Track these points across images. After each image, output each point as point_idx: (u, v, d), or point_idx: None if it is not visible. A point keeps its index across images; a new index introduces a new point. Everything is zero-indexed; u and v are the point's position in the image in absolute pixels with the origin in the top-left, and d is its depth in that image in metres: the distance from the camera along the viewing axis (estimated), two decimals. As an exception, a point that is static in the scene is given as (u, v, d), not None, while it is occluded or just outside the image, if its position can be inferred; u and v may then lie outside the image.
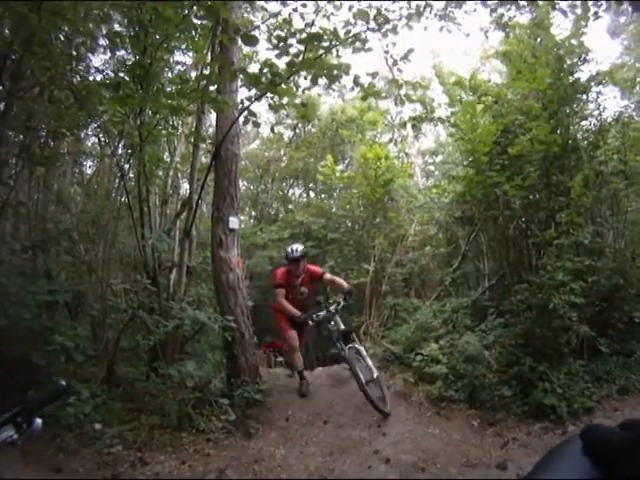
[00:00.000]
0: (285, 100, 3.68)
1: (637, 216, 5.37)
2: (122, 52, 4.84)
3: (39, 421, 1.08)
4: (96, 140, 5.60)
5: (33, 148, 5.32)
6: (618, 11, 10.65)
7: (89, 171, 6.31)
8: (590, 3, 4.96)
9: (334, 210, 9.61)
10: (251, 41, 3.43)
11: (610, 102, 9.81)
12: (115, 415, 3.68)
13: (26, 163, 5.19)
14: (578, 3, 5.03)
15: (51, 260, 5.33)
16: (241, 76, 3.60)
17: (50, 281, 5.04)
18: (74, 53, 4.71)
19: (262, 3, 4.86)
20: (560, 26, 5.33)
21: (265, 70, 3.51)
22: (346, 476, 3.20)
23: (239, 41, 3.62)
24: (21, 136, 5.07)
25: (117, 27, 4.77)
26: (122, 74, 4.70)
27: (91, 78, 5.01)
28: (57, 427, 3.19)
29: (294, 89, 3.70)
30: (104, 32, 4.72)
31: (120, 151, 4.70)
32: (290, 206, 11.87)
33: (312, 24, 3.90)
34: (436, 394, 3.92)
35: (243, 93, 3.95)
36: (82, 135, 5.78)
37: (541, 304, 3.84)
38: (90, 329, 4.66)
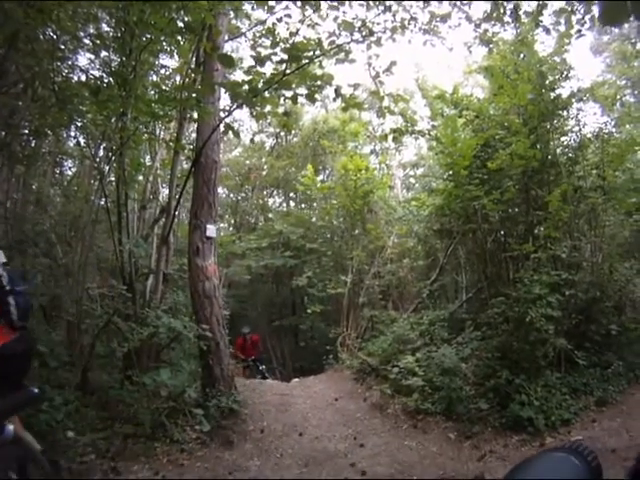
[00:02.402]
0: (267, 109, 3.68)
1: (615, 230, 5.46)
2: (107, 53, 4.79)
3: (11, 427, 1.06)
4: (77, 142, 5.49)
5: (14, 146, 5.22)
6: (601, 30, 11.00)
7: (69, 172, 6.20)
8: (574, 22, 5.10)
9: (313, 220, 9.67)
10: (228, 62, 3.45)
11: (590, 118, 10.07)
12: (88, 423, 3.61)
13: (6, 161, 5.08)
14: (562, 21, 5.17)
15: (28, 261, 5.21)
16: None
17: (26, 283, 4.92)
18: (59, 52, 4.66)
19: (247, 9, 4.86)
20: (544, 43, 5.47)
21: (247, 79, 3.51)
22: (321, 489, 3.16)
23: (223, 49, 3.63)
24: (2, 133, 4.97)
25: (104, 27, 4.73)
26: (105, 76, 4.64)
27: (75, 78, 4.96)
28: (30, 434, 3.12)
29: (276, 98, 3.69)
30: (89, 32, 4.68)
31: (101, 154, 4.62)
32: (269, 215, 11.87)
33: (296, 33, 3.93)
34: (413, 406, 3.91)
35: (225, 100, 3.94)
36: (64, 135, 5.69)
37: (518, 317, 3.88)
38: (65, 334, 4.56)
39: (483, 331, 4.34)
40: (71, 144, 5.98)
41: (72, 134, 5.61)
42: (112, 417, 3.75)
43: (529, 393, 3.85)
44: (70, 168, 6.23)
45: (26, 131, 5.43)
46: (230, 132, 3.65)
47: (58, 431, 3.27)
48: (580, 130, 5.38)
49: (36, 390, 1.25)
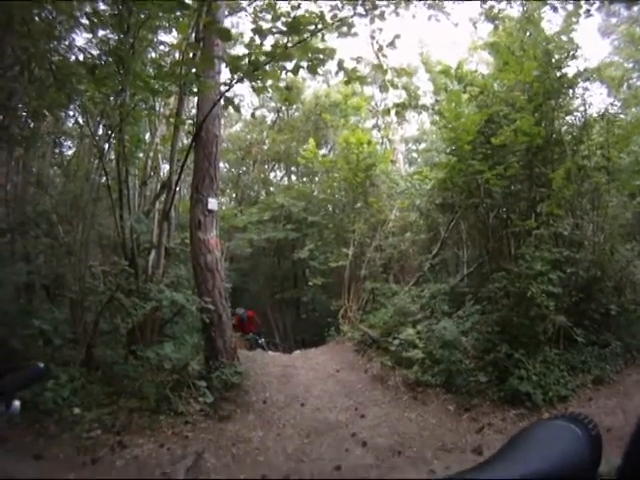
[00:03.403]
0: (269, 83, 3.63)
1: (617, 211, 5.44)
2: (104, 31, 4.71)
3: (17, 403, 1.07)
4: (75, 121, 5.45)
5: (12, 128, 5.19)
6: (610, 11, 10.78)
7: (69, 152, 6.16)
8: (582, 2, 5.00)
9: (315, 193, 9.60)
10: (226, 35, 3.40)
11: (596, 99, 9.94)
12: (94, 399, 3.67)
13: (4, 144, 5.05)
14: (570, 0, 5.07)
15: (30, 243, 5.23)
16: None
17: (28, 264, 4.96)
18: (55, 31, 4.59)
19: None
20: (550, 21, 5.36)
21: (248, 53, 3.46)
22: (323, 458, 3.23)
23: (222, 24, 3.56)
24: (0, 116, 4.93)
25: (101, 5, 4.63)
26: (103, 54, 4.57)
27: (73, 57, 4.89)
28: (36, 412, 3.17)
29: (278, 72, 3.64)
30: (86, 11, 4.59)
31: (100, 132, 4.59)
32: (271, 189, 11.82)
33: (298, 7, 3.84)
34: (413, 378, 3.97)
35: (226, 74, 3.88)
36: (62, 115, 5.63)
37: (519, 292, 3.90)
38: (68, 312, 4.59)
39: (483, 305, 4.37)
40: (70, 124, 5.95)
41: (71, 114, 5.58)
42: (117, 392, 3.80)
43: (528, 368, 3.90)
44: (70, 148, 6.18)
45: (24, 113, 5.38)
46: (230, 107, 3.62)
47: (64, 408, 3.36)
48: (585, 110, 5.31)
49: (42, 365, 1.26)
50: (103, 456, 3.07)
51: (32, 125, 5.58)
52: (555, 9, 5.29)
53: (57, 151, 6.21)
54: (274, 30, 3.46)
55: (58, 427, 3.25)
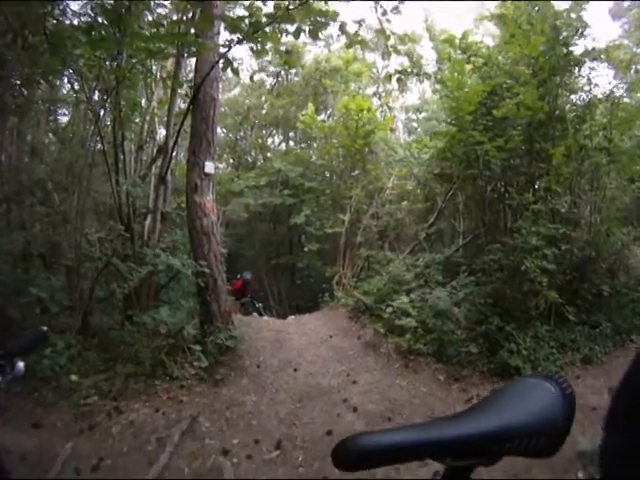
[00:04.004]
0: (268, 45, 3.54)
1: (616, 194, 5.43)
2: (101, -6, 4.56)
3: (21, 364, 1.08)
4: (70, 87, 5.33)
5: (5, 97, 5.08)
6: (622, -6, 10.50)
7: (64, 119, 6.06)
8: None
9: (313, 159, 9.52)
10: None
11: (602, 80, 9.78)
12: (90, 365, 3.70)
13: (-2, 113, 4.95)
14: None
15: (25, 212, 5.20)
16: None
17: (25, 233, 4.94)
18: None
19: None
20: (560, -2, 5.22)
21: (247, 14, 3.36)
22: (315, 423, 3.30)
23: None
24: (-7, 85, 4.81)
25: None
26: (99, 18, 4.44)
27: (67, 22, 4.75)
28: (34, 380, 3.21)
29: (278, 35, 3.55)
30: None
31: (96, 97, 4.49)
32: (268, 154, 11.70)
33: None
34: (405, 346, 4.03)
35: (224, 36, 3.78)
36: (57, 82, 5.51)
37: (513, 266, 3.92)
38: (65, 279, 4.60)
39: (477, 277, 4.40)
40: (65, 91, 5.82)
41: (65, 80, 5.45)
42: (113, 358, 3.82)
43: (518, 342, 3.95)
44: (65, 114, 6.08)
45: (18, 81, 5.26)
46: (229, 70, 3.53)
47: (62, 375, 3.39)
48: (590, 90, 5.23)
49: (45, 328, 1.28)
50: (100, 422, 3.11)
51: (26, 93, 5.47)
52: (567, -14, 5.14)
53: (52, 118, 6.11)
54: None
55: (56, 395, 3.30)
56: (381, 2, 3.81)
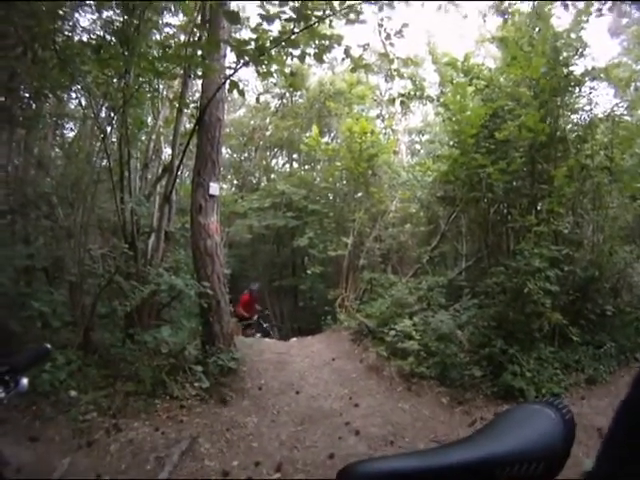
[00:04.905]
0: (273, 68, 3.60)
1: (618, 213, 5.45)
2: (110, 12, 4.67)
3: (25, 380, 1.09)
4: (78, 102, 5.41)
5: (14, 109, 5.15)
6: (621, 12, 10.70)
7: (71, 134, 6.13)
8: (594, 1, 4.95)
9: (316, 182, 9.59)
10: (233, 18, 3.36)
11: (602, 99, 9.86)
12: (90, 381, 3.68)
13: (6, 125, 5.02)
14: (582, -2, 5.02)
15: (30, 225, 5.23)
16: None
17: (28, 246, 4.95)
18: (60, 11, 4.54)
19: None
20: (560, 18, 5.33)
21: (254, 37, 3.43)
22: (316, 446, 3.26)
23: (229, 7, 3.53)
24: (2, 97, 4.89)
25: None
26: (108, 35, 4.54)
27: (77, 38, 4.85)
28: (33, 395, 3.18)
29: (283, 57, 3.61)
30: (91, -10, 4.54)
31: (103, 113, 4.56)
32: (272, 175, 11.79)
33: (307, -8, 3.79)
34: (408, 370, 3.99)
35: (230, 58, 3.85)
36: (64, 97, 5.59)
37: (516, 288, 3.91)
38: (67, 294, 4.60)
39: (480, 300, 4.39)
40: (72, 105, 5.91)
41: (73, 95, 5.54)
42: (114, 375, 3.81)
43: (522, 364, 3.92)
44: (71, 130, 6.15)
45: (26, 94, 5.34)
46: (234, 91, 3.59)
47: (61, 390, 3.37)
48: (591, 109, 5.29)
49: (49, 346, 1.30)
50: (98, 439, 3.08)
51: (34, 106, 5.54)
52: (566, 6, 5.24)
53: (59, 133, 6.17)
54: (281, 15, 3.43)
55: (54, 409, 3.27)
56: (385, 26, 3.88)
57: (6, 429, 2.87)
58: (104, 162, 4.30)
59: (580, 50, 5.21)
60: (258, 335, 6.99)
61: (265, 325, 7.44)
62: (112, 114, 4.39)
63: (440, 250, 6.27)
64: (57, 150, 6.16)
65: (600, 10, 5.17)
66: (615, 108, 5.36)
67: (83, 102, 5.13)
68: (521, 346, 3.99)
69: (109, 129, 4.33)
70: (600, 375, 4.13)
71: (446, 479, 0.52)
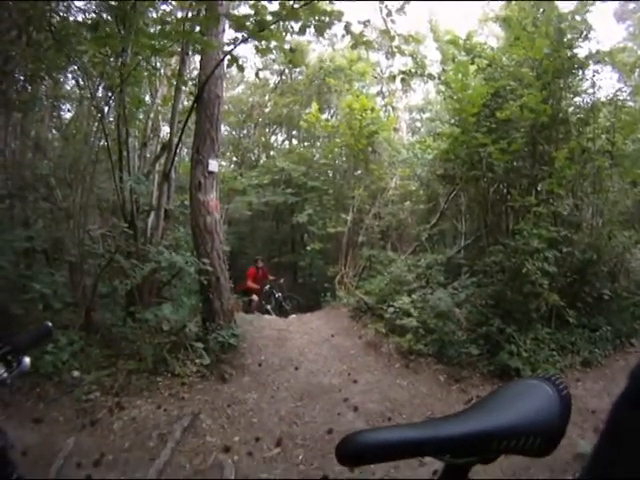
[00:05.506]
0: (273, 44, 3.55)
1: (618, 197, 5.44)
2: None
3: (27, 360, 1.09)
4: (75, 83, 5.34)
5: (10, 93, 5.09)
6: (628, -3, 10.51)
7: (68, 115, 6.07)
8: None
9: (316, 158, 9.51)
10: None
11: (606, 82, 9.75)
12: (93, 361, 3.71)
13: (2, 108, 4.97)
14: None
15: (28, 208, 5.21)
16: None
17: (27, 229, 4.95)
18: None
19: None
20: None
21: (252, 13, 3.37)
22: (315, 422, 3.31)
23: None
24: (-3, 81, 4.82)
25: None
26: (104, 14, 4.45)
27: (72, 18, 4.76)
28: (36, 376, 3.22)
29: (283, 33, 3.56)
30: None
31: (100, 93, 4.50)
32: (272, 152, 11.69)
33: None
34: (406, 347, 4.04)
35: (229, 34, 3.80)
36: (61, 78, 5.52)
37: (514, 268, 3.93)
38: (68, 275, 4.62)
39: (479, 278, 4.41)
40: (69, 87, 5.83)
41: (70, 76, 5.47)
42: (116, 354, 3.85)
43: (519, 344, 3.96)
44: (69, 111, 6.08)
45: (22, 77, 5.27)
46: (233, 68, 3.55)
47: (64, 371, 3.41)
48: (594, 92, 5.24)
49: (50, 324, 1.30)
50: (102, 418, 3.14)
51: (30, 89, 5.47)
52: (572, -11, 5.14)
53: (56, 114, 6.10)
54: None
55: (58, 390, 3.31)
56: (386, 3, 3.81)
57: (10, 411, 2.93)
58: (102, 142, 4.27)
59: (585, 33, 5.13)
60: (269, 307, 6.81)
61: (277, 295, 7.19)
62: (109, 94, 4.35)
63: (439, 228, 6.27)
64: (54, 132, 6.10)
65: (607, -5, 5.07)
66: (618, 93, 5.31)
67: (80, 83, 5.08)
68: (518, 326, 4.02)
69: (106, 109, 4.28)
70: (595, 358, 4.18)
71: (444, 450, 0.53)
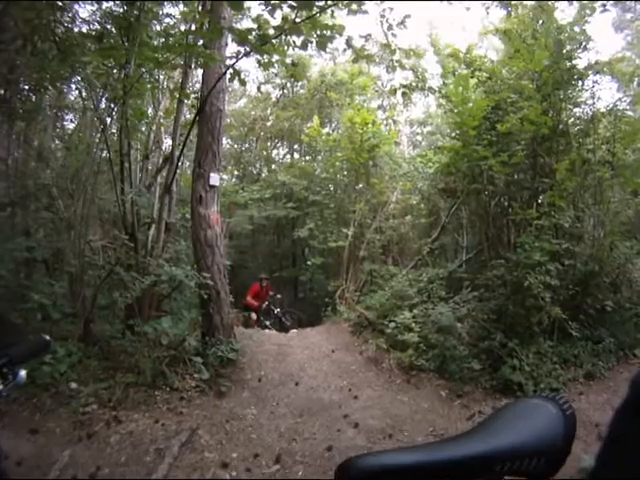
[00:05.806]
0: (275, 58, 3.58)
1: (619, 208, 5.42)
2: (109, 3, 4.65)
3: (23, 373, 1.08)
4: (78, 93, 5.39)
5: (13, 102, 5.14)
6: (625, 7, 10.62)
7: (71, 126, 6.12)
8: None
9: (317, 172, 9.57)
10: (237, 6, 3.34)
11: (605, 93, 9.76)
12: (91, 373, 3.69)
13: (6, 117, 5.01)
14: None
15: (30, 217, 5.23)
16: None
17: (28, 238, 4.96)
18: (59, 3, 4.52)
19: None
20: (564, 11, 5.29)
21: (255, 27, 3.40)
22: (315, 438, 3.27)
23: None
24: (1, 90, 4.88)
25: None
26: (108, 25, 4.51)
27: (76, 29, 4.83)
28: (33, 387, 3.20)
29: (285, 48, 3.59)
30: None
31: (103, 104, 4.54)
32: (273, 166, 11.79)
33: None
34: (407, 362, 4.00)
35: (232, 48, 3.83)
36: (65, 89, 5.58)
37: (516, 281, 3.90)
38: (67, 286, 4.61)
39: (480, 292, 4.38)
40: (72, 97, 5.89)
41: (73, 87, 5.53)
42: (114, 367, 3.81)
43: (521, 358, 3.91)
44: (71, 121, 6.14)
45: (26, 86, 5.33)
46: (235, 82, 3.57)
47: (61, 383, 3.38)
48: (594, 103, 5.25)
49: (47, 337, 1.28)
50: (99, 431, 3.09)
51: (34, 98, 5.53)
52: (571, 1, 5.20)
53: (59, 124, 6.16)
54: (283, 6, 3.40)
55: (55, 401, 3.28)
56: (387, 17, 3.85)
57: (6, 422, 2.89)
58: (104, 153, 4.29)
59: (584, 44, 5.17)
60: (268, 322, 6.75)
61: (276, 311, 7.14)
62: (112, 105, 4.38)
63: (440, 242, 6.26)
64: (57, 142, 6.15)
65: (605, 5, 5.12)
66: (618, 102, 5.32)
67: (83, 93, 5.13)
68: (520, 340, 3.98)
69: (109, 120, 4.32)
70: (599, 371, 4.13)
71: (446, 474, 0.52)
